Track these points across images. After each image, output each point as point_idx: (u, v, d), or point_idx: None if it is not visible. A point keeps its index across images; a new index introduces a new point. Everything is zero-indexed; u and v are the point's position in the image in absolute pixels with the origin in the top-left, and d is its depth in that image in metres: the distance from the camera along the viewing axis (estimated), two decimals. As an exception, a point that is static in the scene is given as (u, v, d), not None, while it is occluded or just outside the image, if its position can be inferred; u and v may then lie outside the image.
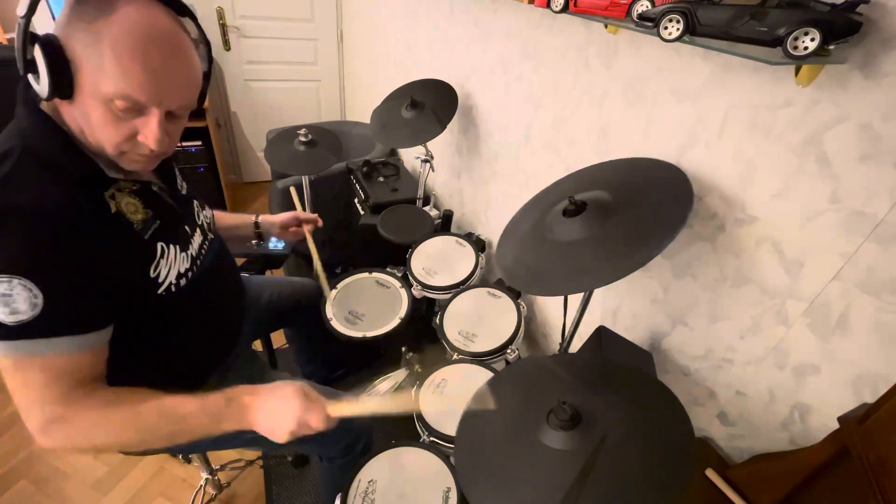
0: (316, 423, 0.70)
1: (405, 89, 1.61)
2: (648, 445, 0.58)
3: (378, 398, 0.80)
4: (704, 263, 0.85)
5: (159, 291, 0.73)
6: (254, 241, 1.63)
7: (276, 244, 1.63)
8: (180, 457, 1.48)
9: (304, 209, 1.29)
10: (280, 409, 0.70)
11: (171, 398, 0.68)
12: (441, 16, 1.68)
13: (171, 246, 0.75)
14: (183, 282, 0.77)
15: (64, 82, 0.59)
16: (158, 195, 0.76)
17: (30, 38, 0.57)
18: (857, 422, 0.59)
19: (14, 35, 2.26)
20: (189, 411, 0.68)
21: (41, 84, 0.58)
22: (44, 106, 0.65)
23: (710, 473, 0.78)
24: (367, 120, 1.70)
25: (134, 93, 0.60)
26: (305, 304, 1.24)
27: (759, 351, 0.79)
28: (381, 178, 1.93)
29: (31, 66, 0.58)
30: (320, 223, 1.26)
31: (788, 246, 0.71)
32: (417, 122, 1.47)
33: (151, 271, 0.71)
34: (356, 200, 1.99)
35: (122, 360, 0.70)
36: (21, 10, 0.57)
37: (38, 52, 0.57)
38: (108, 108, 0.61)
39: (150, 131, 0.64)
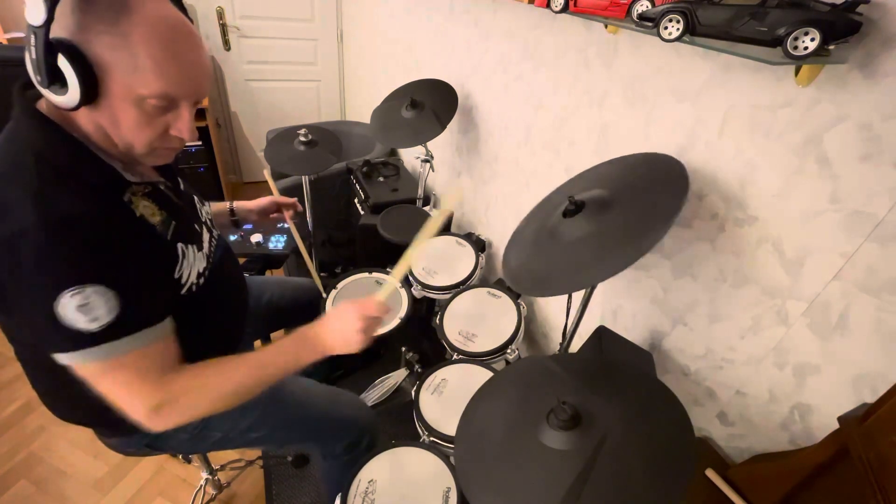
0: (378, 313, 0.78)
1: (405, 89, 1.61)
2: (648, 445, 0.58)
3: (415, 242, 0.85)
4: (704, 263, 0.85)
5: (182, 292, 0.73)
6: (254, 241, 1.64)
7: (275, 244, 1.64)
8: (180, 457, 1.48)
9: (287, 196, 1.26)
10: (342, 324, 0.77)
11: (249, 355, 0.74)
12: (441, 16, 1.68)
13: (190, 246, 0.75)
14: (201, 281, 0.78)
15: (93, 89, 0.57)
16: (168, 195, 0.75)
17: (53, 47, 0.54)
18: (857, 422, 0.59)
19: (15, 35, 2.25)
20: (269, 359, 0.75)
21: (69, 94, 0.56)
22: (47, 112, 0.62)
23: (710, 473, 0.78)
24: (367, 120, 1.70)
25: (172, 90, 0.60)
26: (305, 303, 1.24)
27: (759, 351, 0.79)
28: (381, 178, 1.93)
29: (58, 77, 0.55)
30: (300, 208, 1.25)
31: (788, 246, 0.71)
32: (417, 122, 1.47)
33: (175, 273, 0.71)
34: (356, 200, 1.99)
35: None
36: (36, 19, 0.52)
37: (64, 62, 0.54)
38: (140, 109, 0.60)
39: (183, 125, 0.65)
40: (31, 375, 0.78)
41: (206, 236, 0.84)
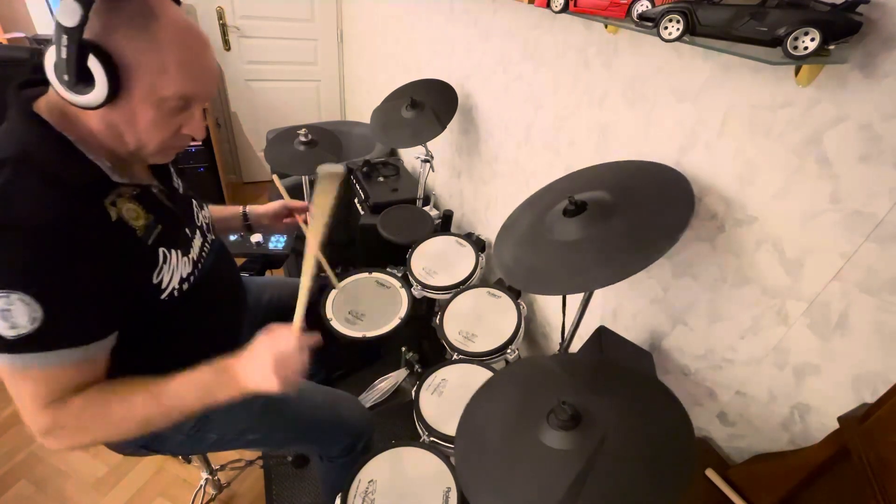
0: (292, 346, 0.70)
1: (405, 89, 1.61)
2: (648, 445, 0.58)
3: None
4: (704, 263, 0.85)
5: (162, 297, 0.72)
6: (254, 241, 1.64)
7: (276, 244, 1.64)
8: (180, 457, 1.48)
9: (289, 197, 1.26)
10: (257, 360, 0.70)
11: (159, 383, 0.68)
12: (441, 16, 1.68)
13: (173, 251, 0.74)
14: (185, 286, 0.76)
15: (118, 89, 0.58)
16: (158, 198, 0.75)
17: (85, 48, 0.55)
18: (857, 422, 0.59)
19: (15, 35, 2.26)
20: (179, 390, 0.68)
21: (94, 93, 0.57)
22: (42, 112, 0.63)
23: (710, 473, 0.78)
24: (367, 120, 1.70)
25: (191, 91, 0.63)
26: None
27: (759, 351, 0.79)
28: (381, 178, 1.93)
29: (86, 77, 0.56)
30: (311, 210, 1.23)
31: (788, 246, 0.71)
32: (417, 122, 1.47)
33: (154, 277, 0.70)
34: (356, 200, 1.99)
35: (121, 365, 0.70)
36: (70, 20, 0.53)
37: (95, 63, 0.56)
38: (159, 109, 0.62)
39: (196, 124, 0.68)
40: None
41: (197, 241, 0.83)
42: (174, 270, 0.74)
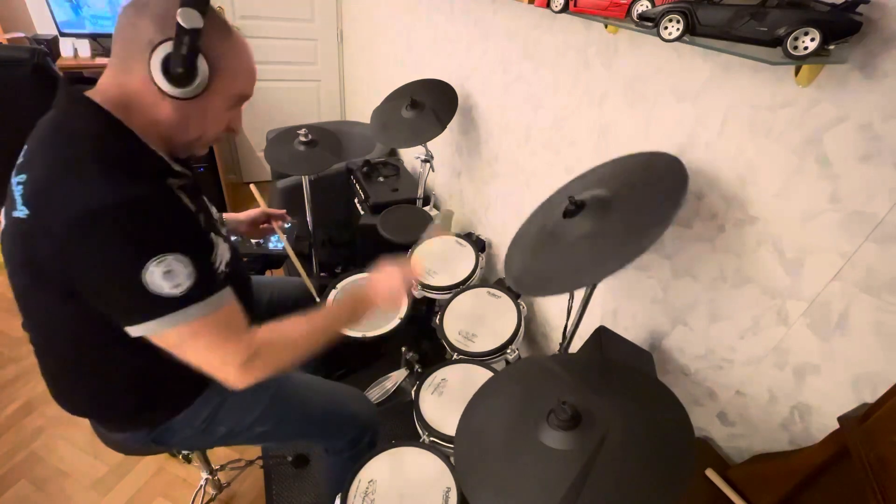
0: (417, 274, 0.92)
1: (405, 89, 1.61)
2: (648, 445, 0.58)
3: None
4: (704, 263, 0.85)
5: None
6: (254, 241, 1.64)
7: (276, 244, 1.64)
8: (180, 457, 1.48)
9: (268, 205, 1.31)
10: (390, 283, 0.88)
11: (313, 314, 0.81)
12: (441, 16, 1.68)
13: (217, 237, 0.80)
14: (229, 269, 0.82)
15: (208, 85, 0.68)
16: (193, 190, 0.79)
17: (197, 48, 0.64)
18: (857, 422, 0.59)
19: (15, 35, 2.25)
20: (333, 313, 0.86)
21: (193, 87, 0.66)
22: (105, 103, 0.66)
23: (710, 473, 0.79)
24: (367, 120, 1.70)
25: (249, 91, 0.77)
26: (306, 304, 1.24)
27: (759, 351, 0.79)
28: (381, 178, 1.93)
29: (192, 72, 0.65)
30: (289, 219, 1.30)
31: (788, 246, 0.71)
32: (417, 122, 1.47)
33: (213, 259, 0.76)
34: (356, 200, 1.99)
35: (144, 355, 0.70)
36: (192, 24, 0.61)
37: (202, 61, 0.65)
38: (225, 105, 0.74)
39: (239, 120, 0.82)
40: (42, 363, 0.80)
41: (223, 231, 0.88)
42: (222, 254, 0.80)
